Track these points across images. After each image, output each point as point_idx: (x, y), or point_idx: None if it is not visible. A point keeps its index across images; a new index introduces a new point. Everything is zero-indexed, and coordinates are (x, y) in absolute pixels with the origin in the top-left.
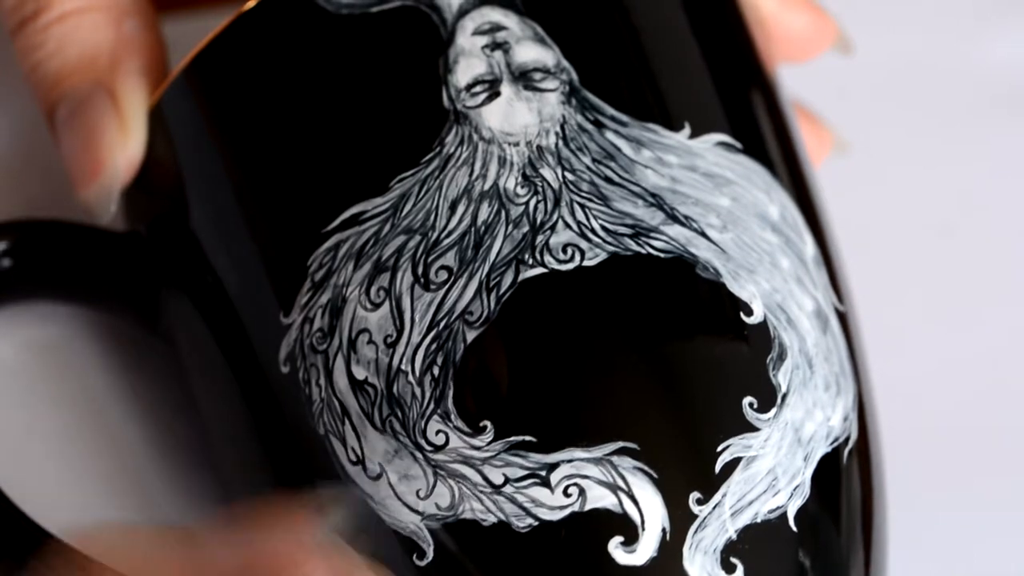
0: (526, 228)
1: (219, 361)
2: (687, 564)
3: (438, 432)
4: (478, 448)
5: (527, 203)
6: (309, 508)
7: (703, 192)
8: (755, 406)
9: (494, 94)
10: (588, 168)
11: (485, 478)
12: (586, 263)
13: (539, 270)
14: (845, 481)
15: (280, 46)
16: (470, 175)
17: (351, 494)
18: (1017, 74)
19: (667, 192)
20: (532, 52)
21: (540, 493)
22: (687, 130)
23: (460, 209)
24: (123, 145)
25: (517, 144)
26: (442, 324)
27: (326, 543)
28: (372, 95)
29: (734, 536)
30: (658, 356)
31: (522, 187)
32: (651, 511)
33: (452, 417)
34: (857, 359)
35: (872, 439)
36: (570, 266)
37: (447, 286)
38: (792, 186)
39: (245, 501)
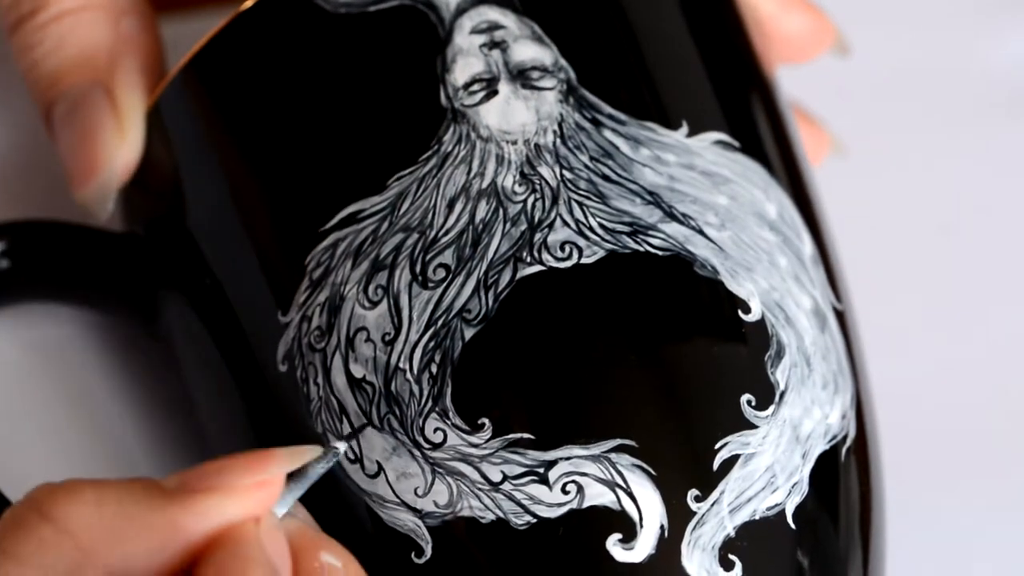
0: (524, 226)
1: (217, 360)
2: (685, 561)
3: (436, 430)
4: (476, 446)
5: (525, 201)
6: (269, 459)
7: (701, 190)
8: (753, 404)
9: (492, 92)
10: (586, 166)
11: (483, 475)
12: (584, 261)
13: (537, 268)
14: (843, 479)
15: (278, 46)
16: (468, 173)
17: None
18: (1017, 75)
19: (665, 190)
20: (530, 51)
21: (538, 490)
22: (685, 128)
23: (458, 207)
24: (120, 144)
25: (515, 142)
26: (440, 322)
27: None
28: (370, 94)
29: (732, 533)
30: (656, 354)
31: (520, 185)
32: (649, 508)
33: (450, 415)
34: (855, 357)
35: (870, 437)
36: (568, 264)
37: (445, 284)
38: (790, 185)
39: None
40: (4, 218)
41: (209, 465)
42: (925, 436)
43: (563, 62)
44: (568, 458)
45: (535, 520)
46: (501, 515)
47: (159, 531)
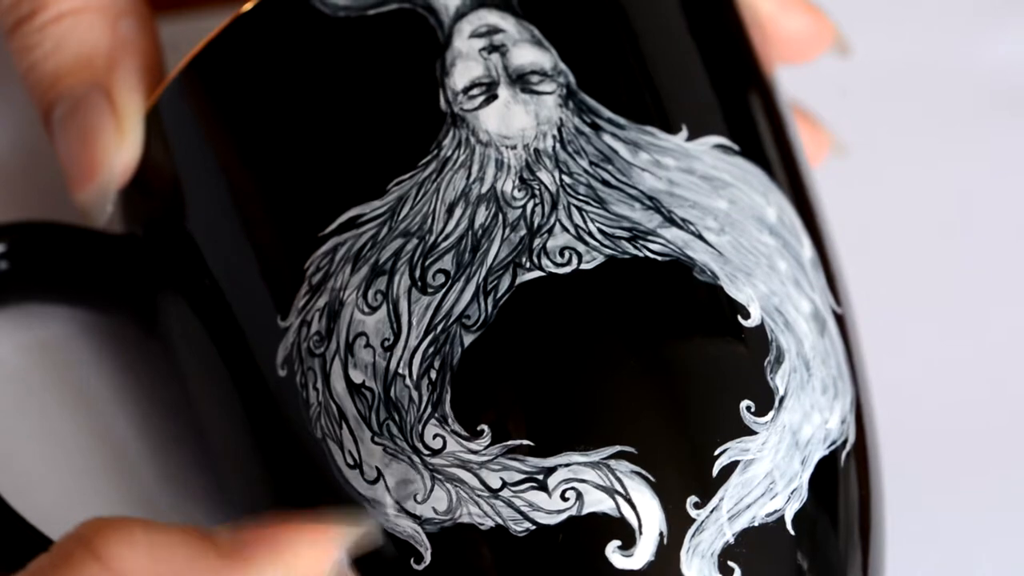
0: (523, 231)
1: (216, 363)
2: (684, 568)
3: (435, 436)
4: (476, 452)
5: (524, 206)
6: (329, 534)
7: (701, 195)
8: (752, 409)
9: (491, 97)
10: (585, 171)
11: (482, 482)
12: (583, 266)
13: (536, 273)
14: (843, 484)
15: (277, 49)
16: (467, 178)
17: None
18: (1017, 74)
19: (664, 195)
20: (529, 55)
21: (537, 497)
22: (684, 132)
23: (457, 212)
24: (119, 146)
25: (514, 147)
26: (439, 328)
27: None
28: (369, 98)
29: (731, 540)
30: (655, 359)
31: (519, 190)
32: (648, 515)
33: (449, 421)
34: (855, 361)
35: (870, 442)
36: (567, 269)
37: (444, 289)
38: (790, 188)
39: (269, 512)
40: (4, 219)
41: (266, 529)
42: (925, 436)
43: (562, 66)
44: (567, 465)
45: (534, 527)
46: (500, 522)
47: None
